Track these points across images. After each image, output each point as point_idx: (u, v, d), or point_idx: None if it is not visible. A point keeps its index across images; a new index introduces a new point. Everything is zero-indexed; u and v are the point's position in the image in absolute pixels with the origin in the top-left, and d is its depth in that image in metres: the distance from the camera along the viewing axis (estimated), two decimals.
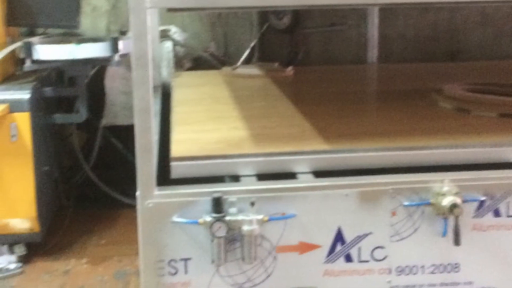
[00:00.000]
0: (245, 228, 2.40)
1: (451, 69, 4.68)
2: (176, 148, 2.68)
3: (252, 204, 2.41)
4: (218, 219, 2.38)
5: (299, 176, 2.58)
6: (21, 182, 4.04)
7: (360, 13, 5.18)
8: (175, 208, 2.43)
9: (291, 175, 2.58)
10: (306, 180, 2.54)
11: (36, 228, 4.15)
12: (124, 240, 4.49)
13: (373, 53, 5.04)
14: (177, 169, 2.55)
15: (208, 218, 2.39)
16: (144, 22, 2.29)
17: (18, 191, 4.05)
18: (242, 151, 2.65)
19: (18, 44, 4.19)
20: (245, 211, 2.42)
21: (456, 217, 2.49)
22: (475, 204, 2.56)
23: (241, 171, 2.58)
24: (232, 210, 2.42)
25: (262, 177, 2.56)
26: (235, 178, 2.58)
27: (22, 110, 3.99)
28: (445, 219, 2.52)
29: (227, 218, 2.39)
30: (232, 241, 2.45)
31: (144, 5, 2.27)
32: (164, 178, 2.56)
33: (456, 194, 2.49)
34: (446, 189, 2.50)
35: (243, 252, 2.44)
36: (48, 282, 4.01)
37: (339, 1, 2.87)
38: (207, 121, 3.18)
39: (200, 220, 2.40)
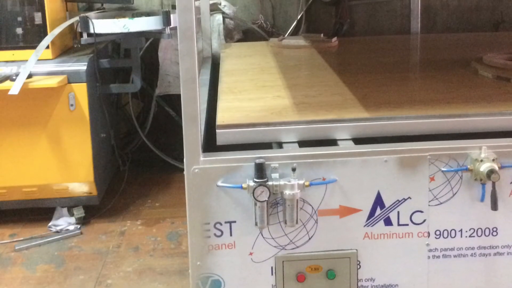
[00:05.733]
0: (287, 192, 2.37)
1: (493, 39, 4.58)
2: (222, 116, 2.66)
3: (294, 169, 2.38)
4: (260, 184, 2.35)
5: (340, 142, 2.54)
6: (80, 148, 4.09)
7: None
8: (220, 173, 2.42)
9: (332, 142, 2.54)
10: (346, 147, 2.50)
11: (94, 191, 4.21)
12: (176, 203, 4.52)
13: (416, 23, 4.94)
14: (222, 136, 2.53)
15: (251, 183, 2.37)
16: None
17: (77, 156, 4.11)
18: (285, 119, 2.62)
19: (75, 18, 4.22)
20: (287, 177, 2.39)
21: (494, 183, 2.44)
22: None
23: (283, 138, 2.55)
24: (275, 175, 2.39)
25: (303, 143, 2.53)
26: (278, 145, 2.55)
27: (80, 81, 4.04)
28: (483, 184, 2.46)
29: (270, 183, 2.37)
30: (275, 205, 2.43)
31: None
32: (211, 144, 2.54)
33: (494, 160, 2.44)
34: (484, 155, 2.45)
35: (285, 215, 2.41)
36: (104, 242, 4.05)
37: None
38: (253, 90, 3.15)
39: (244, 185, 2.38)
